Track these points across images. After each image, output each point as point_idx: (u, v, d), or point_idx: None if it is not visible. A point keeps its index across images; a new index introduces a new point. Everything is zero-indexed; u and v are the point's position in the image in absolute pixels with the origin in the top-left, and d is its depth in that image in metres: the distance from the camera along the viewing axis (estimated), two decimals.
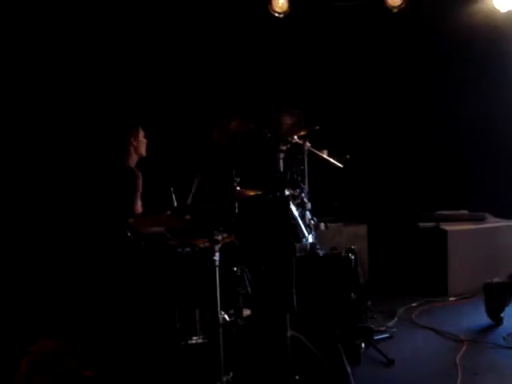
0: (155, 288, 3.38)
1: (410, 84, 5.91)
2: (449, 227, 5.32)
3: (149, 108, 5.15)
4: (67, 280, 4.37)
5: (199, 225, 3.38)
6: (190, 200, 3.72)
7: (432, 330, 4.36)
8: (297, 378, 3.23)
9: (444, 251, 5.24)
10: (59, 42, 4.91)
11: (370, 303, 4.36)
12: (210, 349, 3.17)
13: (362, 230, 5.70)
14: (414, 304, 4.94)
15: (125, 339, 3.47)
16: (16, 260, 4.55)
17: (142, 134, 4.12)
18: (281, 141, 4.04)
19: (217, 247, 3.10)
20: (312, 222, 3.98)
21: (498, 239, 5.36)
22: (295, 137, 4.20)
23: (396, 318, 4.62)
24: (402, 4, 5.33)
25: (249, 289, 3.42)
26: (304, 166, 4.29)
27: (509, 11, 5.30)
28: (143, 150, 4.12)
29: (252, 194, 3.60)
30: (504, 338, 4.07)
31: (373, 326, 4.05)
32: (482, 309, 4.61)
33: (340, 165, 4.64)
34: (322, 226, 4.31)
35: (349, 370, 3.46)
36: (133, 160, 4.05)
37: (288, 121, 4.02)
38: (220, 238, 3.12)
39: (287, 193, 3.59)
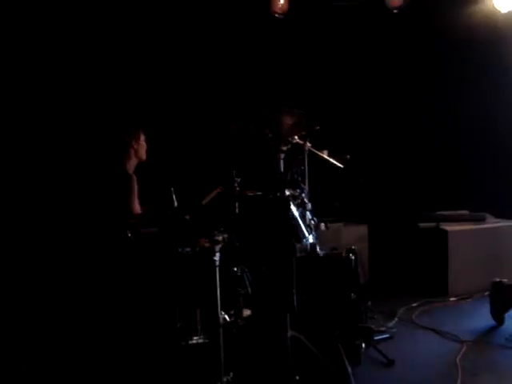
0: (156, 288, 3.38)
1: (410, 84, 5.92)
2: (449, 227, 5.32)
3: (150, 108, 5.15)
4: (68, 281, 4.36)
5: (200, 225, 3.38)
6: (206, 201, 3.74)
7: (432, 330, 4.36)
8: (297, 378, 3.23)
9: (444, 251, 5.24)
10: (61, 43, 4.91)
11: (370, 303, 4.36)
12: (210, 349, 3.17)
13: (363, 230, 5.70)
14: (414, 304, 4.94)
15: (125, 339, 3.46)
16: (16, 262, 4.54)
17: (142, 137, 4.11)
18: (281, 141, 4.04)
19: (217, 247, 3.10)
20: (312, 222, 3.99)
21: (499, 239, 5.36)
22: (296, 137, 4.20)
23: (396, 319, 4.62)
24: (402, 4, 5.33)
25: (249, 289, 3.42)
26: (304, 166, 4.29)
27: (509, 12, 5.29)
28: (143, 154, 4.11)
29: (252, 194, 3.60)
30: (506, 339, 4.07)
31: (373, 327, 4.05)
32: (483, 309, 4.62)
33: (340, 165, 4.64)
34: (323, 226, 4.31)
35: (349, 370, 3.46)
36: (131, 163, 4.04)
37: (289, 121, 4.02)
38: (220, 238, 3.12)
39: (287, 193, 3.59)
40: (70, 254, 4.47)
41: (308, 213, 3.94)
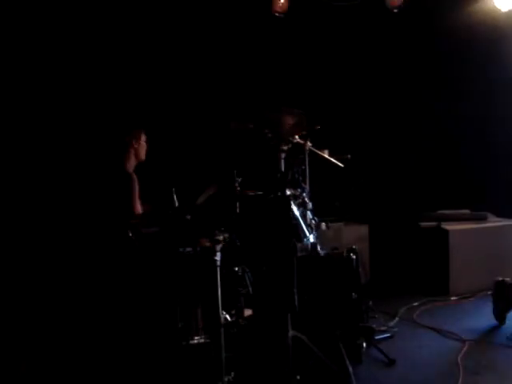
0: (157, 288, 3.38)
1: (411, 84, 5.92)
2: (450, 227, 5.32)
3: (150, 108, 5.15)
4: (69, 281, 4.37)
5: (200, 224, 3.38)
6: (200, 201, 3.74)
7: (433, 329, 4.36)
8: (298, 377, 3.23)
9: (445, 251, 5.23)
10: (63, 43, 4.91)
11: (371, 303, 4.36)
12: (211, 349, 3.17)
13: (364, 229, 5.70)
14: (415, 304, 4.94)
15: (127, 339, 3.47)
16: (16, 262, 4.55)
17: (143, 138, 4.11)
18: (282, 141, 4.04)
19: (218, 247, 3.10)
20: (313, 221, 3.98)
21: (500, 239, 5.35)
22: (296, 137, 4.20)
23: (397, 318, 4.62)
24: (401, 4, 5.33)
25: (250, 289, 3.42)
26: (305, 165, 4.29)
27: (509, 11, 5.29)
28: (143, 155, 4.11)
29: (253, 193, 3.60)
30: (508, 338, 4.07)
31: (374, 326, 4.05)
32: (484, 308, 4.62)
33: (341, 164, 4.64)
34: (323, 225, 4.31)
35: (350, 369, 3.47)
36: (131, 163, 4.04)
37: (289, 121, 4.02)
38: (221, 237, 3.12)
39: (288, 192, 3.60)
40: (71, 253, 4.47)
41: (309, 212, 3.94)
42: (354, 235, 5.54)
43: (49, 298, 4.35)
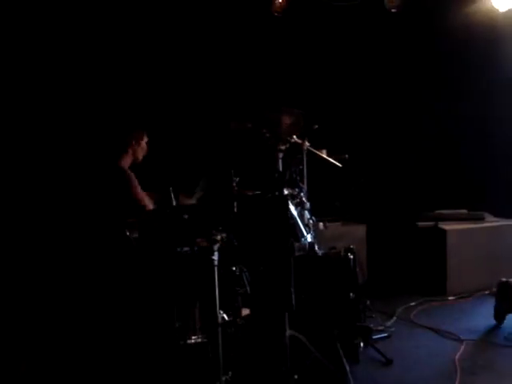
0: (154, 287, 3.38)
1: (410, 83, 5.92)
2: (448, 226, 5.32)
3: (150, 107, 5.15)
4: (66, 279, 4.37)
5: (198, 224, 3.38)
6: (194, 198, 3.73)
7: (431, 329, 4.36)
8: (296, 377, 3.23)
9: (443, 251, 5.24)
10: (66, 42, 4.92)
11: (368, 303, 4.36)
12: (209, 348, 3.17)
13: (361, 229, 5.70)
14: (412, 303, 4.95)
15: (124, 339, 3.47)
16: (15, 261, 4.54)
17: (145, 139, 4.11)
18: (280, 140, 4.04)
19: (215, 247, 3.10)
20: (311, 221, 3.99)
21: (497, 239, 5.36)
22: (294, 136, 4.20)
23: (395, 318, 4.62)
24: (400, 4, 5.33)
25: (248, 288, 3.42)
26: (303, 165, 4.29)
27: (508, 10, 5.29)
28: (140, 156, 4.10)
29: (251, 193, 3.60)
30: (505, 338, 4.08)
31: (371, 326, 4.06)
32: (482, 308, 4.63)
33: (339, 164, 4.64)
34: (321, 225, 4.32)
35: (347, 369, 3.47)
36: (127, 161, 4.03)
37: (287, 120, 4.03)
38: (219, 237, 3.12)
39: (286, 192, 3.60)
40: (68, 253, 4.47)
41: (306, 212, 3.94)
42: (352, 235, 5.53)
43: (47, 297, 4.35)
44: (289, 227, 3.47)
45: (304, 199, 3.94)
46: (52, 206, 4.76)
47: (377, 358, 3.82)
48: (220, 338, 3.07)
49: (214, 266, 3.08)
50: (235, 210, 3.46)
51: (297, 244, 3.61)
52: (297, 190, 3.89)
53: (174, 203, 3.47)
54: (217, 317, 3.09)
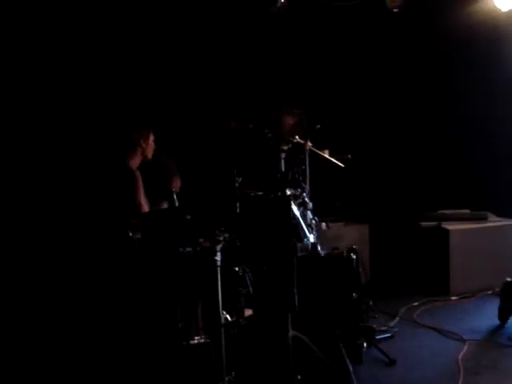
0: (157, 288, 3.38)
1: (412, 83, 5.92)
2: (451, 226, 5.32)
3: (152, 107, 5.15)
4: (69, 280, 4.37)
5: (201, 224, 3.38)
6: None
7: (434, 329, 4.36)
8: (299, 377, 3.23)
9: (446, 250, 5.23)
10: (74, 43, 4.93)
11: (371, 303, 4.36)
12: (211, 349, 3.16)
13: (364, 229, 5.70)
14: (415, 303, 4.94)
15: (127, 339, 3.47)
16: (16, 261, 4.55)
17: (152, 137, 4.12)
18: (282, 141, 4.04)
19: (218, 247, 3.10)
20: (313, 221, 3.99)
21: (500, 238, 5.35)
22: (297, 137, 4.20)
23: (398, 318, 4.62)
24: (402, 4, 5.33)
25: (250, 289, 3.42)
26: (305, 165, 4.29)
27: (509, 10, 5.29)
28: (149, 154, 4.12)
29: (253, 193, 3.60)
30: (509, 338, 4.07)
31: (374, 326, 4.05)
32: (485, 308, 4.62)
33: (341, 164, 4.64)
34: (324, 225, 4.31)
35: (351, 369, 3.47)
36: (136, 160, 4.04)
37: (289, 121, 4.03)
38: (222, 238, 3.12)
39: (288, 192, 3.60)
40: (71, 253, 4.47)
41: (309, 212, 3.94)
42: (355, 235, 5.54)
43: (48, 297, 4.36)
44: (291, 227, 3.47)
45: (306, 199, 3.94)
46: (57, 206, 4.76)
47: (380, 358, 3.81)
48: (223, 339, 3.07)
49: (216, 266, 3.08)
50: (238, 210, 3.46)
51: (299, 244, 3.62)
52: (299, 190, 3.89)
53: (177, 204, 3.48)
54: (220, 317, 3.09)
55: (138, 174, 3.95)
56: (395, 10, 5.37)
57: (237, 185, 3.48)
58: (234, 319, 3.27)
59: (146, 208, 3.88)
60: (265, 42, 5.58)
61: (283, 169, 4.02)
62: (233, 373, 3.15)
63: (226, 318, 3.20)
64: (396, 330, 4.35)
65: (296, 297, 3.28)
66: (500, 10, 5.30)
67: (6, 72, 4.68)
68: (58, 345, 3.92)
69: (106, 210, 3.87)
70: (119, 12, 5.08)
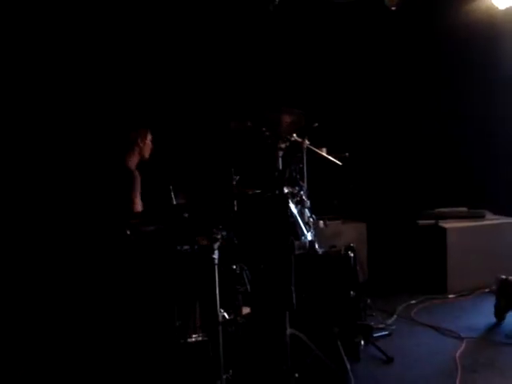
0: (154, 286, 3.38)
1: (410, 82, 5.92)
2: (448, 225, 5.32)
3: (151, 106, 5.14)
4: (66, 278, 4.36)
5: (198, 222, 3.38)
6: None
7: (431, 327, 4.36)
8: (296, 375, 3.23)
9: (443, 249, 5.24)
10: (73, 43, 4.93)
11: (369, 301, 4.36)
12: (209, 347, 3.17)
13: (362, 227, 5.70)
14: (413, 301, 4.94)
15: (124, 338, 3.46)
16: (15, 260, 4.54)
17: (149, 137, 4.12)
18: (280, 139, 4.04)
19: (216, 245, 3.10)
20: (311, 219, 3.99)
21: (498, 236, 5.36)
22: (294, 135, 4.20)
23: (395, 316, 4.62)
24: (400, 2, 5.33)
25: (248, 287, 3.42)
26: (303, 163, 4.29)
27: (508, 8, 5.29)
28: (147, 154, 4.12)
29: (251, 191, 3.60)
30: (506, 335, 4.08)
31: (372, 324, 4.06)
32: (482, 306, 4.63)
33: (339, 162, 4.64)
34: (321, 223, 4.32)
35: (348, 367, 3.47)
36: (134, 160, 4.04)
37: (287, 119, 4.03)
38: (219, 236, 3.12)
39: (286, 190, 3.60)
40: (69, 252, 4.47)
41: (306, 210, 3.94)
42: (352, 233, 5.54)
43: (48, 297, 4.35)
44: (289, 225, 3.47)
45: (304, 197, 3.94)
46: (55, 205, 4.76)
47: (377, 356, 3.82)
48: (220, 337, 3.07)
49: (214, 264, 3.08)
50: (235, 208, 3.47)
51: (297, 242, 3.61)
52: (297, 188, 3.89)
53: (174, 202, 3.48)
54: (217, 315, 3.09)
55: (137, 173, 3.94)
56: (393, 9, 5.36)
57: (234, 183, 3.48)
58: (232, 317, 3.27)
59: (139, 208, 3.87)
60: (263, 40, 5.57)
61: (281, 167, 4.02)
62: (230, 371, 3.15)
63: (224, 316, 3.20)
64: (393, 327, 4.35)
65: (294, 295, 3.29)
66: (498, 8, 5.30)
67: (5, 72, 4.67)
68: (57, 344, 3.91)
69: (104, 208, 3.87)
70: (118, 11, 5.07)
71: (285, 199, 3.49)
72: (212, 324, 3.12)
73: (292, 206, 3.66)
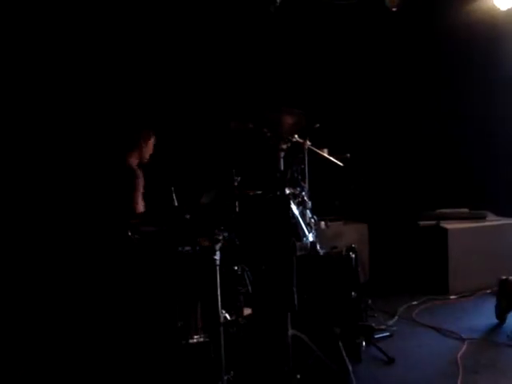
0: (156, 287, 3.38)
1: (411, 82, 5.92)
2: (449, 225, 5.32)
3: (151, 106, 5.15)
4: (68, 279, 4.37)
5: (200, 224, 3.38)
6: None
7: (433, 328, 4.36)
8: (298, 376, 3.23)
9: (444, 249, 5.23)
10: (76, 43, 4.94)
11: (370, 302, 4.36)
12: (211, 348, 3.17)
13: (363, 228, 5.70)
14: (414, 302, 4.94)
15: (126, 338, 3.47)
16: (16, 260, 4.54)
17: (153, 139, 4.12)
18: (281, 140, 4.04)
19: (217, 246, 3.10)
20: (312, 220, 3.99)
21: (499, 237, 5.35)
22: (296, 136, 4.20)
23: (397, 317, 4.62)
24: (401, 3, 5.33)
25: (249, 288, 3.42)
26: (304, 164, 4.29)
27: (509, 9, 5.29)
28: (147, 156, 4.12)
29: (252, 193, 3.60)
30: (508, 336, 4.07)
31: (373, 325, 4.06)
32: (484, 307, 4.63)
33: (340, 163, 4.64)
34: (323, 224, 4.31)
35: (350, 368, 3.47)
36: (134, 160, 4.05)
37: (289, 120, 4.03)
38: (221, 237, 3.12)
39: (288, 191, 3.60)
40: (70, 252, 4.47)
41: (308, 211, 3.94)
42: (354, 234, 5.54)
43: (49, 297, 4.35)
44: (290, 226, 3.47)
45: (306, 198, 3.94)
46: (57, 205, 4.76)
47: (379, 357, 3.82)
48: (222, 338, 3.07)
49: (215, 265, 3.08)
50: (237, 209, 3.47)
51: (298, 243, 3.61)
52: (298, 189, 3.88)
53: (176, 203, 3.48)
54: (219, 316, 3.09)
55: (139, 172, 3.95)
56: (394, 10, 5.37)
57: (236, 184, 3.48)
58: (234, 318, 3.27)
59: (141, 208, 3.87)
60: (264, 41, 5.57)
61: (282, 168, 4.02)
62: (232, 372, 3.15)
63: (225, 317, 3.20)
64: (395, 328, 4.35)
65: (295, 296, 3.29)
66: (499, 8, 5.30)
67: (6, 72, 4.67)
68: (58, 344, 3.91)
69: (106, 208, 3.87)
70: (120, 12, 5.08)
71: (286, 200, 3.49)
72: (213, 325, 3.12)
73: (293, 207, 3.66)
